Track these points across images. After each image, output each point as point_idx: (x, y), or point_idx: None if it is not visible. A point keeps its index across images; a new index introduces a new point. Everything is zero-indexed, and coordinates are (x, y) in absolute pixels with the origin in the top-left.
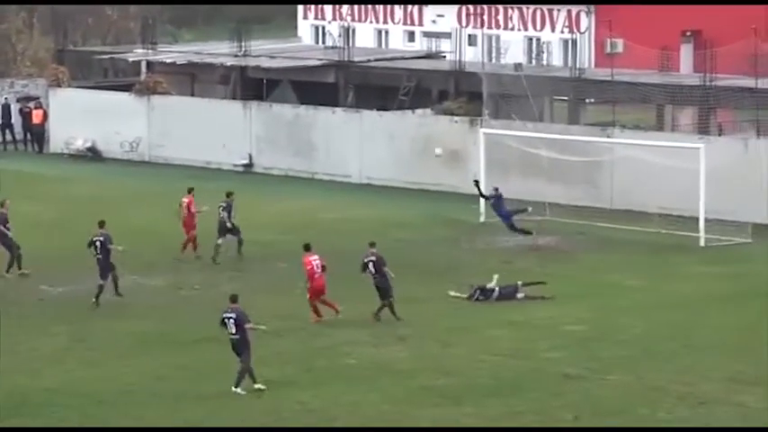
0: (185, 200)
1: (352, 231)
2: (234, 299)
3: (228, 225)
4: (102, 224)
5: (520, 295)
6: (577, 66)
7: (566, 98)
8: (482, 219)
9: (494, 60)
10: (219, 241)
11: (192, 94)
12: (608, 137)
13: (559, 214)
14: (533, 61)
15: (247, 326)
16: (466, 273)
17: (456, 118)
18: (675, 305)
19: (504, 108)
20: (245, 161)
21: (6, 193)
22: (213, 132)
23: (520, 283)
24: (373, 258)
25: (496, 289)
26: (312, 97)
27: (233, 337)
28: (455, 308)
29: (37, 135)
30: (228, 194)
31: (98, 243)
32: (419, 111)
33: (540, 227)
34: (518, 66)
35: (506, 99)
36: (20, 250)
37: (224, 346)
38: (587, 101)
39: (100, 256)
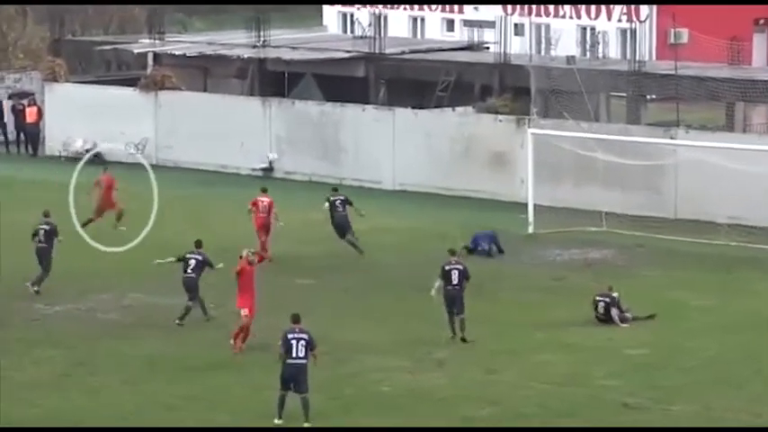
0: (265, 199)
1: (385, 243)
2: (297, 318)
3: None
4: (199, 244)
5: (624, 325)
6: (637, 58)
7: (624, 94)
8: (530, 230)
9: (543, 52)
10: (348, 236)
11: (205, 90)
12: (671, 138)
13: (617, 225)
14: (587, 53)
15: (315, 351)
16: (511, 290)
17: (501, 117)
18: (747, 326)
19: (555, 106)
20: (265, 165)
21: None
22: (228, 132)
23: (630, 316)
24: (460, 267)
25: (615, 295)
26: (339, 93)
27: (299, 361)
28: (500, 328)
29: (31, 135)
30: (335, 189)
31: (192, 262)
32: (459, 109)
33: (596, 239)
34: (570, 58)
35: (557, 95)
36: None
37: (239, 373)
38: (648, 97)
39: (192, 275)
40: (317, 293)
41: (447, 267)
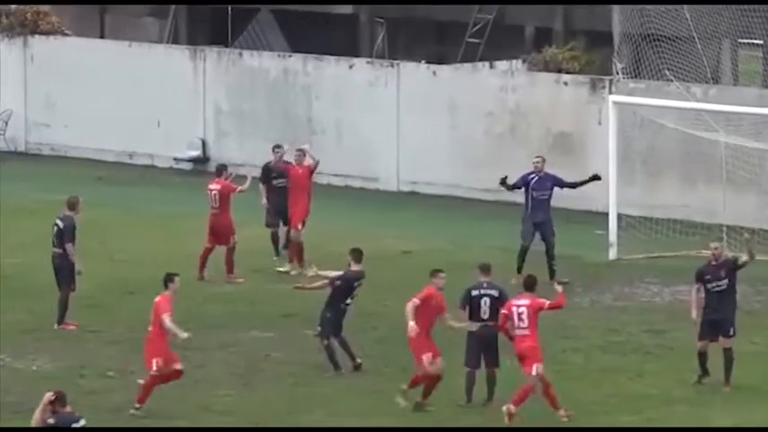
0: (215, 187)
1: (381, 278)
2: None
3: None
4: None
5: None
6: None
7: (761, 42)
8: (613, 254)
9: None
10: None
11: (102, 36)
12: None
13: (746, 244)
14: None
15: None
16: (582, 348)
17: (566, 77)
18: None
19: (652, 60)
20: (196, 152)
21: None
22: (139, 103)
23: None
24: (493, 293)
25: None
26: (313, 40)
27: None
28: (564, 406)
29: None
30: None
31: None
32: (501, 64)
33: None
34: None
35: (654, 44)
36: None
37: None
38: None
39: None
40: (276, 352)
41: (474, 292)
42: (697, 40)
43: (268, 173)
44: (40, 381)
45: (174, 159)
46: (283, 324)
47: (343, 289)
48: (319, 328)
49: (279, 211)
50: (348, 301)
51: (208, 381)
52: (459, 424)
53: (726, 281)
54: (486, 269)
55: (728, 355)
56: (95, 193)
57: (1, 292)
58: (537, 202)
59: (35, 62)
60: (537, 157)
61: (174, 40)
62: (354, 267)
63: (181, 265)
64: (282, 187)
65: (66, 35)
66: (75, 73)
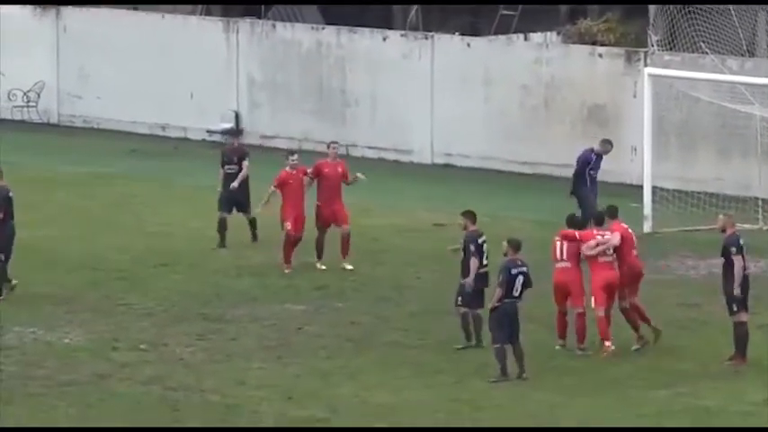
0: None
1: (416, 251)
2: None
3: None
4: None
5: None
6: None
7: None
8: (647, 227)
9: None
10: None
11: (136, 6)
12: None
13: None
14: None
15: None
16: (614, 319)
17: (601, 49)
18: None
19: (687, 32)
20: (229, 124)
21: None
22: (172, 75)
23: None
24: (526, 270)
25: None
26: (347, 11)
27: None
28: (597, 381)
29: None
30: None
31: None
32: (536, 36)
33: (750, 243)
34: None
35: (690, 16)
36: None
37: None
38: None
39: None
40: (308, 325)
41: (513, 271)
42: (733, 12)
43: (221, 157)
44: (73, 354)
45: (207, 131)
46: (316, 297)
47: (479, 254)
48: (460, 299)
49: (229, 199)
50: (485, 262)
51: (241, 354)
52: (491, 399)
53: (723, 258)
54: (519, 246)
55: (736, 330)
56: (128, 166)
57: (32, 264)
58: (592, 180)
59: (68, 33)
60: (606, 142)
61: (208, 11)
62: (472, 228)
63: (213, 237)
64: (231, 174)
65: (99, 6)
66: (109, 45)
